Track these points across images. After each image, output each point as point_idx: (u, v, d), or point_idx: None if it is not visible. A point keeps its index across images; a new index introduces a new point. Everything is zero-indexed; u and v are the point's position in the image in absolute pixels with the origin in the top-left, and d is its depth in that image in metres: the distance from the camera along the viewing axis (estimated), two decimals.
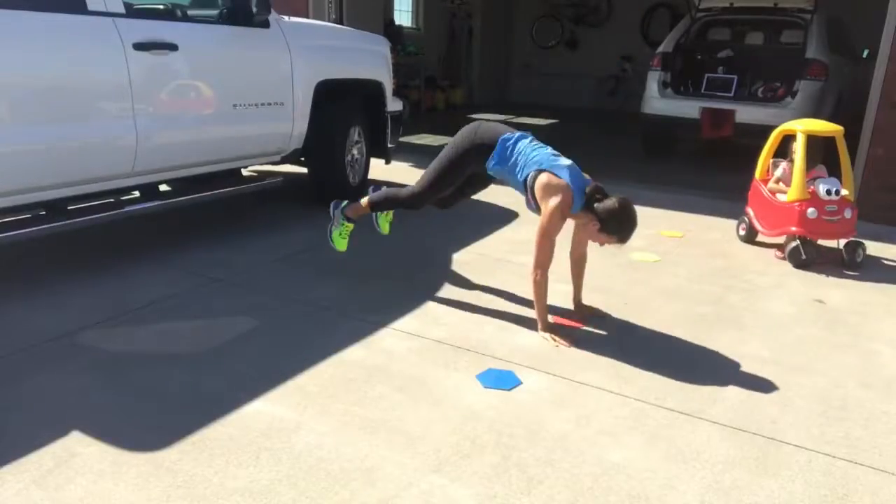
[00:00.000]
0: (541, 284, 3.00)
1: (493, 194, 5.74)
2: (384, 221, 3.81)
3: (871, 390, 2.68)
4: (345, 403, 2.42)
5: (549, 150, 3.09)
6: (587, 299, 3.42)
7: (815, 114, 6.83)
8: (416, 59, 11.49)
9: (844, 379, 2.77)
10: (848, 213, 4.12)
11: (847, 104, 7.59)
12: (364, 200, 3.57)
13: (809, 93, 6.82)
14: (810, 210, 4.06)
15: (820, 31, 7.08)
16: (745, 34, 7.86)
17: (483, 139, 3.16)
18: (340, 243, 3.67)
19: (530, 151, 3.04)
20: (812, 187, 4.17)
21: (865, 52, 8.21)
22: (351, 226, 3.66)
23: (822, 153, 4.41)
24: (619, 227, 2.90)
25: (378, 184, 3.83)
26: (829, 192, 4.12)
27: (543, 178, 2.94)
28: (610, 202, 2.88)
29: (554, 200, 2.88)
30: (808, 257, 4.08)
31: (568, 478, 2.06)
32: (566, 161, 3.02)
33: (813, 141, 4.29)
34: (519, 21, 14.39)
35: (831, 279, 3.97)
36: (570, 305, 3.38)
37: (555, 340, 2.97)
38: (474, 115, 11.63)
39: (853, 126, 5.77)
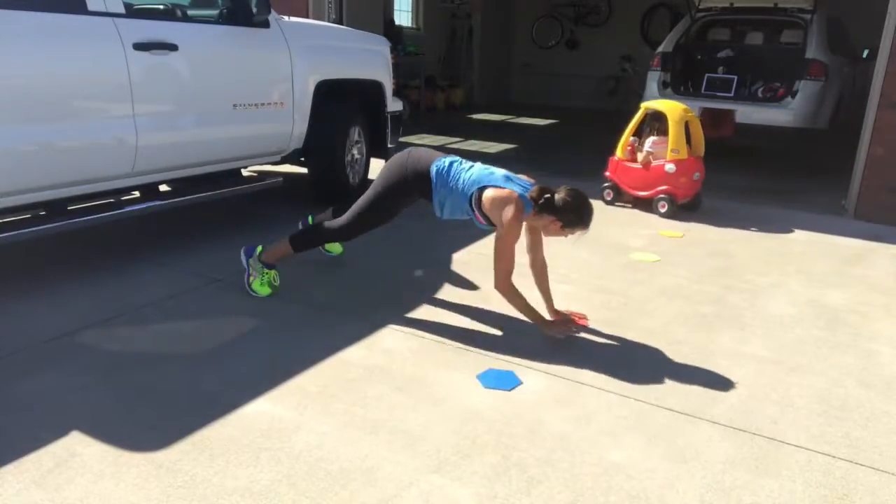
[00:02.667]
0: (512, 292, 2.99)
1: None
2: (330, 246, 3.74)
3: (871, 390, 2.68)
4: (345, 403, 2.42)
5: (480, 165, 3.08)
6: (588, 299, 3.42)
7: (816, 113, 6.86)
8: (416, 59, 11.49)
9: (844, 379, 2.77)
10: (696, 175, 5.26)
11: (847, 104, 7.59)
12: (282, 244, 3.35)
13: (809, 93, 6.82)
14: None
15: (820, 31, 7.09)
16: (745, 34, 7.87)
17: (416, 167, 3.12)
18: (264, 290, 3.34)
19: (465, 173, 3.03)
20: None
21: (865, 53, 8.22)
22: (273, 272, 3.36)
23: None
24: (579, 217, 2.89)
25: (305, 218, 3.73)
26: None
27: (489, 192, 2.92)
28: (560, 197, 2.86)
29: (508, 210, 2.86)
30: (670, 208, 5.19)
31: (568, 478, 2.06)
32: (501, 171, 3.02)
33: (675, 121, 5.18)
34: (519, 21, 14.39)
35: (831, 279, 3.97)
36: (571, 305, 3.38)
37: (563, 330, 3.02)
38: (474, 116, 11.65)
39: (853, 126, 5.79)
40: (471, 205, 2.99)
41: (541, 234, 3.07)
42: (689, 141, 5.27)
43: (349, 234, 3.36)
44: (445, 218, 3.16)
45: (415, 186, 3.12)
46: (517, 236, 2.93)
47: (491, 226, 3.03)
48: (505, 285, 2.97)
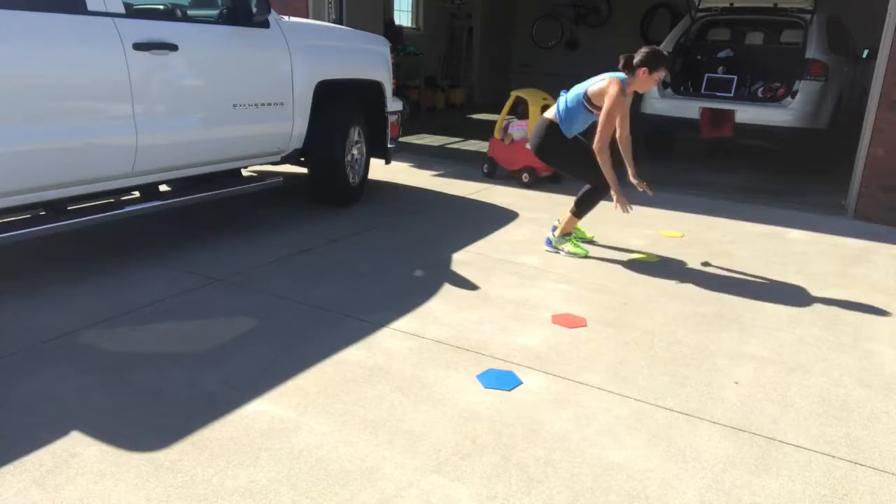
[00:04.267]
0: (605, 154, 3.88)
1: (493, 194, 5.76)
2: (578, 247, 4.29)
3: (871, 390, 2.68)
4: (345, 403, 2.42)
5: (575, 87, 4.09)
6: (588, 299, 3.43)
7: (816, 113, 6.85)
8: (416, 59, 11.48)
9: (844, 379, 2.77)
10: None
11: (847, 104, 7.59)
12: (570, 219, 4.22)
13: (809, 93, 6.82)
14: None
15: (820, 31, 7.08)
16: (744, 34, 7.86)
17: (547, 125, 4.14)
18: (580, 250, 4.21)
19: (568, 96, 4.08)
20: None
21: (865, 53, 8.22)
22: (571, 237, 4.27)
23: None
24: (657, 60, 3.87)
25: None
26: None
27: (591, 90, 3.97)
28: (641, 53, 3.87)
29: (612, 89, 3.85)
30: (531, 178, 6.06)
31: (568, 478, 2.06)
32: (593, 78, 4.06)
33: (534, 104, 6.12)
34: (519, 21, 14.39)
35: (831, 279, 3.97)
36: (571, 305, 3.39)
37: (622, 204, 3.90)
38: (474, 116, 11.64)
39: (853, 126, 5.79)
40: (585, 106, 4.00)
41: (627, 116, 4.01)
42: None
43: (601, 181, 4.07)
44: (576, 132, 4.12)
45: (556, 134, 4.10)
46: (619, 107, 3.86)
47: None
48: (601, 146, 3.88)
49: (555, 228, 4.30)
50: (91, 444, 2.13)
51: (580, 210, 4.18)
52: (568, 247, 4.22)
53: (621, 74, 3.91)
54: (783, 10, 7.35)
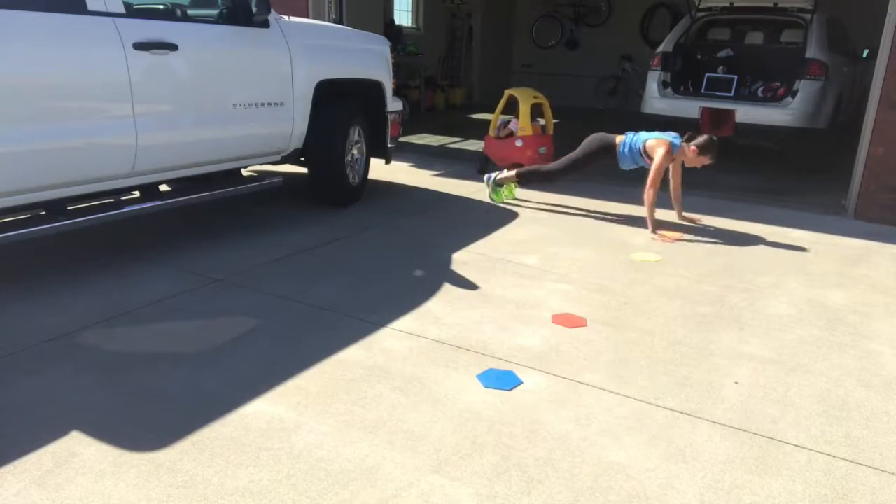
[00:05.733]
0: (651, 198, 4.69)
1: None
2: (508, 192, 5.51)
3: (871, 390, 2.68)
4: (345, 403, 2.42)
5: (641, 132, 4.99)
6: (588, 299, 3.43)
7: (816, 113, 6.85)
8: (416, 59, 11.48)
9: (844, 379, 2.77)
10: (542, 150, 6.34)
11: (847, 104, 7.59)
12: (511, 173, 5.40)
13: (809, 92, 6.82)
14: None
15: (820, 30, 7.08)
16: (745, 34, 7.86)
17: (606, 143, 5.10)
18: (499, 197, 5.46)
19: (635, 138, 4.96)
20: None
21: (865, 53, 8.21)
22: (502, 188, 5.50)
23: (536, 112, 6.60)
24: (709, 149, 4.73)
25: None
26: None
27: (650, 142, 4.85)
28: (702, 137, 4.78)
29: (662, 149, 4.72)
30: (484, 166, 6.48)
31: (568, 478, 2.06)
32: (656, 132, 4.96)
33: (524, 102, 6.39)
34: (519, 21, 14.39)
35: (831, 279, 3.97)
36: (571, 305, 3.39)
37: (661, 237, 4.61)
38: (474, 116, 11.64)
39: (853, 126, 5.79)
40: (641, 154, 4.90)
41: (681, 170, 4.98)
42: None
43: (557, 177, 5.34)
44: (625, 168, 5.08)
45: (607, 154, 5.09)
46: (666, 164, 4.73)
47: (649, 164, 4.84)
48: (649, 192, 4.71)
49: (497, 175, 5.45)
50: (91, 444, 2.13)
51: (524, 179, 5.39)
52: (492, 194, 5.44)
53: (677, 140, 4.77)
54: (783, 10, 7.35)
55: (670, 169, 4.92)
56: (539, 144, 6.33)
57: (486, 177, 5.51)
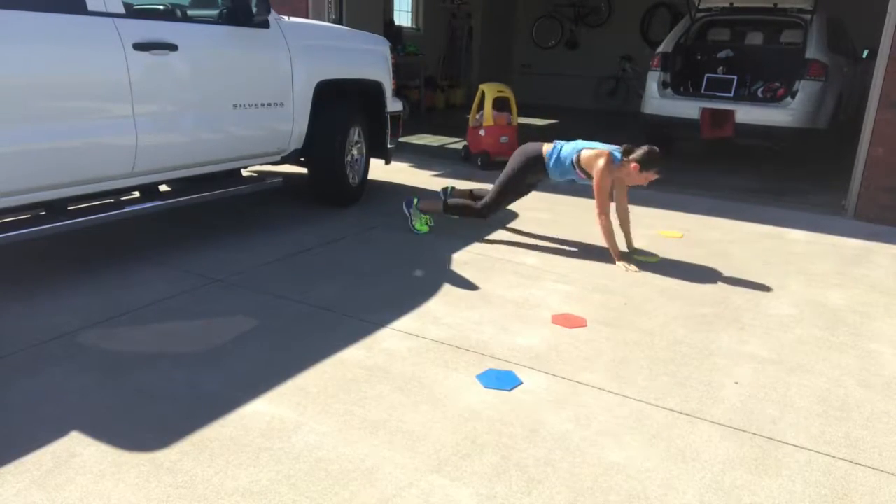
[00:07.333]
0: (606, 226, 4.01)
1: None
2: (423, 224, 4.56)
3: (871, 390, 2.68)
4: (345, 403, 2.42)
5: (572, 142, 4.22)
6: (588, 299, 3.43)
7: (816, 113, 6.85)
8: (416, 59, 11.48)
9: (844, 379, 2.77)
10: (503, 139, 6.89)
11: (847, 104, 7.59)
12: (436, 203, 4.51)
13: (809, 93, 6.82)
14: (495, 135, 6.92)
15: (820, 31, 7.08)
16: (744, 34, 7.86)
17: (532, 153, 4.29)
18: (423, 228, 4.53)
19: (566, 146, 4.19)
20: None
21: (865, 53, 8.21)
22: (427, 216, 4.54)
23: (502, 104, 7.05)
24: (653, 163, 3.94)
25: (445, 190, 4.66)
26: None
27: (585, 153, 4.07)
28: (641, 150, 3.96)
29: (600, 162, 3.97)
30: (483, 161, 6.83)
31: (568, 478, 2.06)
32: (585, 142, 4.20)
33: (494, 97, 6.95)
34: (519, 21, 14.39)
35: (831, 279, 3.97)
36: (571, 305, 3.39)
37: (627, 267, 3.94)
38: None
39: (853, 126, 5.79)
40: (573, 166, 4.12)
41: (625, 187, 4.17)
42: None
43: (489, 211, 4.44)
44: (557, 180, 4.32)
45: (535, 166, 4.28)
46: (608, 181, 4.01)
47: (589, 179, 4.09)
48: (601, 219, 4.02)
49: (419, 202, 4.58)
50: (91, 444, 2.13)
51: (452, 210, 4.49)
52: (417, 222, 4.53)
53: (618, 152, 4.00)
54: (783, 10, 7.35)
55: (615, 191, 4.18)
56: (500, 134, 6.86)
57: (405, 201, 4.63)
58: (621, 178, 4.06)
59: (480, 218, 4.46)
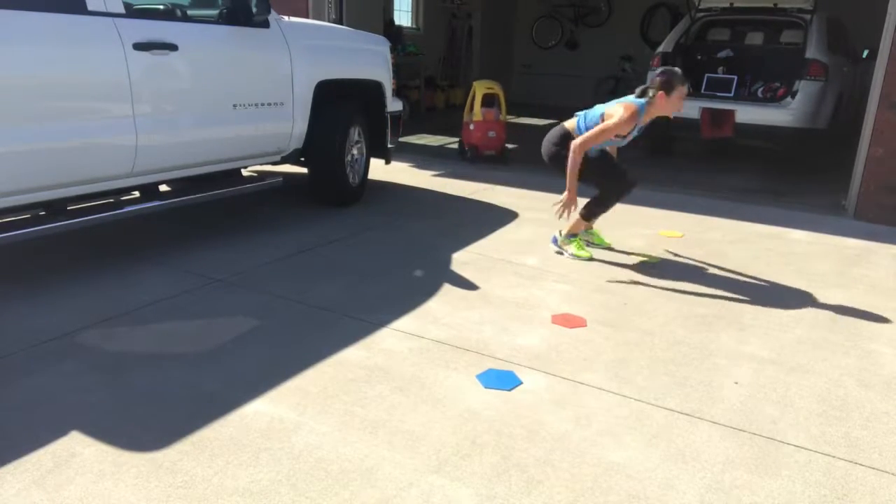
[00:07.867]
0: (577, 161, 3.83)
1: (494, 194, 5.76)
2: (581, 248, 4.23)
3: (871, 390, 2.68)
4: (345, 403, 2.42)
5: (597, 105, 4.05)
6: (588, 299, 3.43)
7: (816, 113, 6.85)
8: (416, 59, 11.48)
9: (844, 379, 2.77)
10: (491, 133, 7.11)
11: (847, 104, 7.59)
12: (573, 219, 4.12)
13: (809, 93, 6.82)
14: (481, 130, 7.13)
15: (820, 31, 7.09)
16: (744, 34, 7.87)
17: (556, 138, 4.08)
18: (584, 253, 4.18)
19: (588, 112, 4.03)
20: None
21: (865, 53, 8.22)
22: (577, 238, 4.23)
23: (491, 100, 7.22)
24: (673, 82, 3.77)
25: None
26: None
27: (609, 110, 3.89)
28: (655, 79, 3.81)
29: (623, 112, 3.78)
30: (472, 154, 7.15)
31: (568, 478, 2.06)
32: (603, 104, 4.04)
33: (484, 93, 7.13)
34: (519, 21, 14.39)
35: (831, 279, 3.97)
36: (571, 305, 3.39)
37: (567, 208, 3.82)
38: None
39: (853, 126, 5.79)
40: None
41: (615, 148, 4.15)
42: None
43: (611, 188, 4.08)
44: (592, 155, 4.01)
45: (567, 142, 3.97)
46: (622, 127, 3.81)
47: (623, 138, 3.95)
48: (579, 147, 3.82)
49: (562, 232, 4.23)
50: (91, 444, 2.13)
51: (588, 213, 4.12)
52: (572, 248, 4.18)
53: (642, 100, 3.83)
54: (783, 10, 7.35)
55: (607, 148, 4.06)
56: (488, 129, 7.11)
57: (552, 238, 4.31)
58: (659, 114, 3.89)
59: (604, 205, 4.10)
